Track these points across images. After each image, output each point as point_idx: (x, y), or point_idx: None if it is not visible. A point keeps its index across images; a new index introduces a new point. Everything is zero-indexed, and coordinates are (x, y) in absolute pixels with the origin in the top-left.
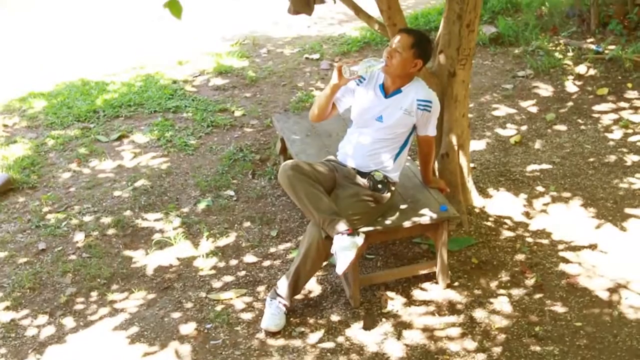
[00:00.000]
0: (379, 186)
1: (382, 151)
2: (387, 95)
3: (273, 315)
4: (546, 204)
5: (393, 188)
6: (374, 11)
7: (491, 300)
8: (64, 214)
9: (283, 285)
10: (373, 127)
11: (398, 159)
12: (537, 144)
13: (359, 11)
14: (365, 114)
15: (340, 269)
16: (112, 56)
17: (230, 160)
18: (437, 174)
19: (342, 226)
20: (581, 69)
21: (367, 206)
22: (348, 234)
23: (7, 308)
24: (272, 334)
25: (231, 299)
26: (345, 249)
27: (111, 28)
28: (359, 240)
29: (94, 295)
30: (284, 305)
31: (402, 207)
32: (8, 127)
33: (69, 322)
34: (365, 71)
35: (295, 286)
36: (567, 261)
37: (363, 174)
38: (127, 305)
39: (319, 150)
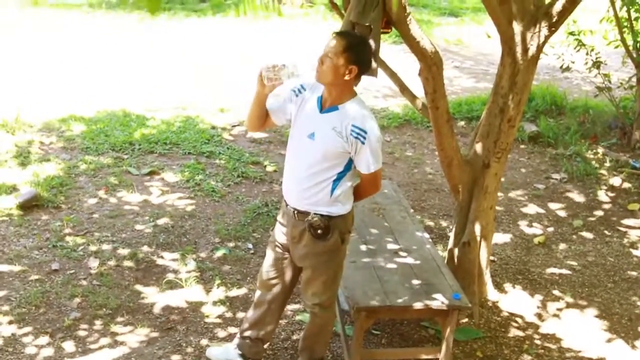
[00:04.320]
0: (319, 232)
1: (317, 185)
2: (322, 110)
3: None
4: (560, 309)
5: (340, 227)
6: (419, 91)
7: None
8: (83, 239)
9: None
10: (305, 147)
11: (336, 192)
12: (561, 248)
13: (404, 89)
14: (299, 129)
15: None
16: (157, 92)
17: (254, 213)
18: (456, 261)
19: None
20: (616, 181)
21: (327, 266)
22: None
23: (10, 322)
24: None
25: None
26: None
27: (161, 65)
28: None
29: (98, 323)
30: None
31: (415, 287)
32: (44, 145)
33: (68, 346)
34: (288, 76)
35: (313, 353)
36: None
37: (301, 214)
38: (129, 339)
39: None
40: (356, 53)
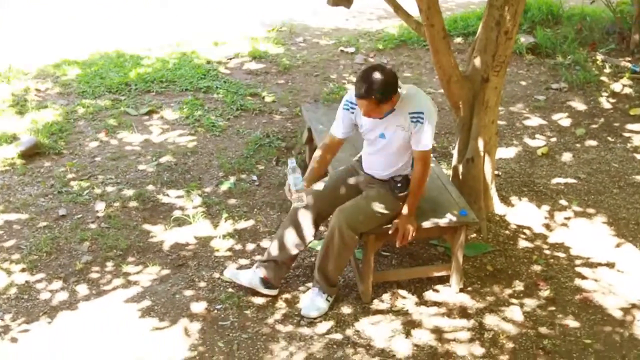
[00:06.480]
0: (398, 185)
1: (398, 160)
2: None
3: (312, 300)
4: (567, 219)
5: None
6: (414, 10)
7: (502, 308)
8: (87, 183)
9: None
10: (379, 144)
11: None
12: (564, 157)
13: (398, 8)
14: (369, 132)
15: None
16: (150, 31)
17: (256, 145)
18: (460, 177)
19: None
20: (616, 86)
21: (377, 207)
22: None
23: (23, 270)
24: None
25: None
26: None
27: (152, 2)
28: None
29: (109, 265)
30: (323, 291)
31: (422, 206)
32: (40, 92)
33: (82, 289)
34: (295, 185)
35: (327, 278)
36: (582, 277)
37: (384, 180)
38: (141, 278)
39: (344, 143)
40: (384, 94)
